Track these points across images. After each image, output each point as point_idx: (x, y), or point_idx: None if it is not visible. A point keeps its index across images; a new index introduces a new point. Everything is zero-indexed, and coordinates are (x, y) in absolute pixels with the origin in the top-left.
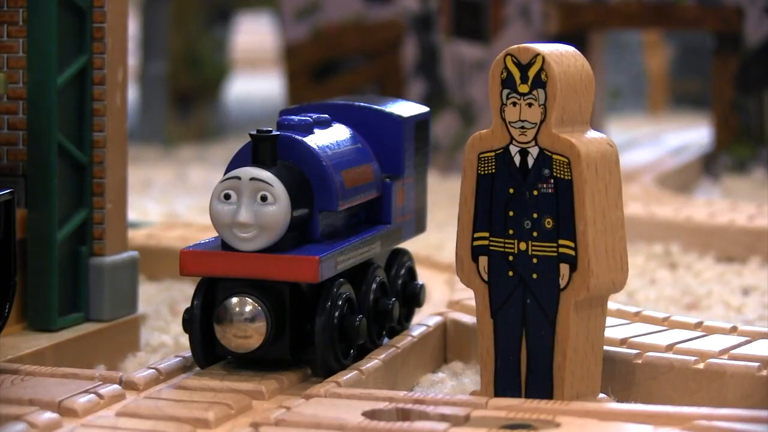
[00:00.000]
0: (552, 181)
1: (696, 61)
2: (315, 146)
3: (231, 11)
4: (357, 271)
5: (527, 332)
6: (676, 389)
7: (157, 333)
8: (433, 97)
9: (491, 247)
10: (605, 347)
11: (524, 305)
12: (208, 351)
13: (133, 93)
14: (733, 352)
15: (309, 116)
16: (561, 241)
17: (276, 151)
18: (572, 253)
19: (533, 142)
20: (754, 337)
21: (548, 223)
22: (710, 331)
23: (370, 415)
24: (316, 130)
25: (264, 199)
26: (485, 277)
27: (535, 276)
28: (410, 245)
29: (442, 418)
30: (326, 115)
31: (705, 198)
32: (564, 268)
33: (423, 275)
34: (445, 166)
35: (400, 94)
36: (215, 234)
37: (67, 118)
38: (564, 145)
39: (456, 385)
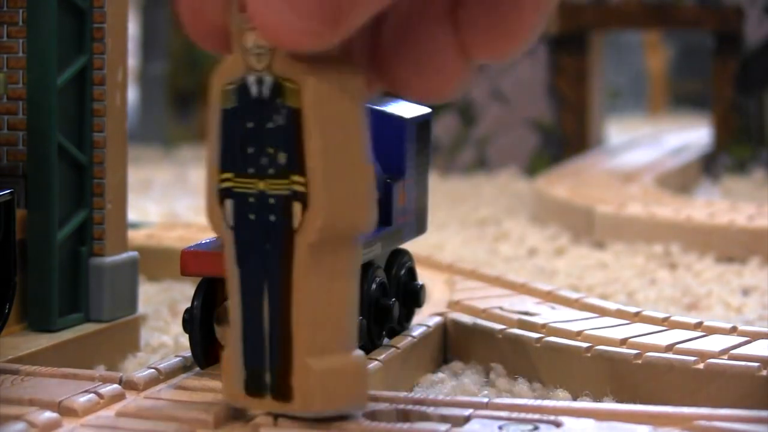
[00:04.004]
0: (285, 111)
1: (696, 61)
2: None
3: None
4: None
5: (268, 282)
6: (676, 389)
7: (157, 333)
8: None
9: (235, 189)
10: (605, 347)
11: (264, 252)
12: (208, 351)
13: (133, 93)
14: (733, 352)
15: None
16: (293, 177)
17: None
18: (303, 190)
19: (268, 70)
20: (754, 337)
21: (282, 158)
22: (710, 331)
23: (370, 416)
24: None
25: None
26: (231, 222)
27: (273, 218)
28: (410, 245)
29: (443, 419)
30: None
31: (705, 198)
32: (296, 207)
33: (423, 275)
34: (445, 166)
35: None
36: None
37: (67, 119)
38: (295, 71)
39: (456, 385)
